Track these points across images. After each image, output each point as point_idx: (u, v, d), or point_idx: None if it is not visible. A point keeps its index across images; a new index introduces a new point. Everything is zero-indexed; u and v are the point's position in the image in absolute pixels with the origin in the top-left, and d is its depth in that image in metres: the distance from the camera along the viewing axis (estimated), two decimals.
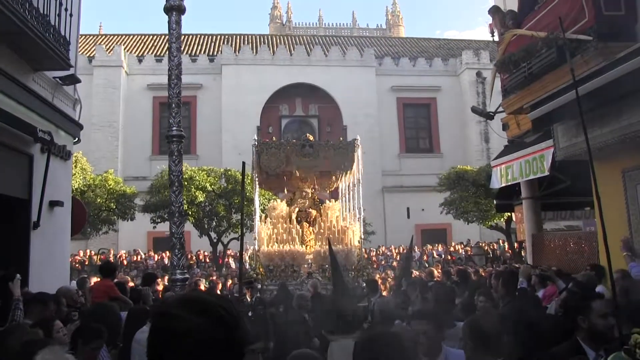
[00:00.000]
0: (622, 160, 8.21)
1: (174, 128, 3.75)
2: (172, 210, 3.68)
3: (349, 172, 14.06)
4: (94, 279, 10.06)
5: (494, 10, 10.82)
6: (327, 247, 12.91)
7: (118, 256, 26.23)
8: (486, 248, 27.26)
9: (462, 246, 28.79)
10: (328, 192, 16.08)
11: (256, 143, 13.46)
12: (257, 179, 13.92)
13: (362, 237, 13.95)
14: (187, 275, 3.67)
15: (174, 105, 3.78)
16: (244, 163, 7.74)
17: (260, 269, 12.67)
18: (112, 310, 4.91)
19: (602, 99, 7.07)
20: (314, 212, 14.34)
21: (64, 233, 9.91)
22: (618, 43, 7.38)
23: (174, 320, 1.46)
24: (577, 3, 8.06)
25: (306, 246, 13.46)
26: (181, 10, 3.89)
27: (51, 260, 9.07)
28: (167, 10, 3.90)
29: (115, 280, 8.85)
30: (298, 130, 33.01)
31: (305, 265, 12.80)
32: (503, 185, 12.07)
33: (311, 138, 14.12)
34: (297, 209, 14.30)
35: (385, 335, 2.90)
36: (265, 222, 14.02)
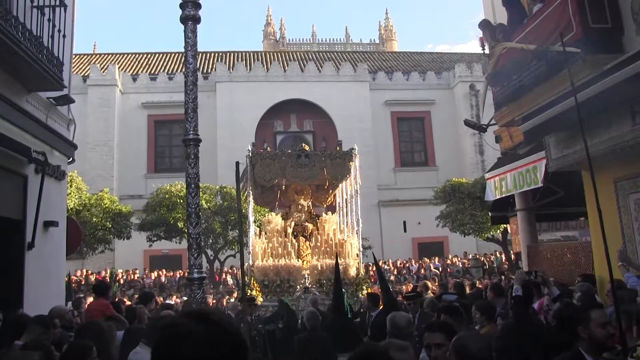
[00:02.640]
0: (613, 170, 8.27)
1: (191, 132, 3.89)
2: (189, 211, 3.79)
3: (346, 182, 13.85)
4: (90, 299, 10.03)
5: (484, 24, 10.90)
6: (327, 261, 12.76)
7: (115, 275, 26.13)
8: (483, 260, 27.24)
9: (459, 259, 28.77)
10: (325, 206, 15.86)
11: (250, 153, 13.16)
12: (251, 192, 13.67)
13: (361, 249, 13.71)
14: (204, 275, 3.74)
15: (190, 110, 3.89)
16: (237, 163, 7.81)
17: (255, 284, 12.44)
18: (103, 328, 4.90)
19: (591, 110, 7.12)
20: (310, 226, 14.11)
21: (59, 253, 9.90)
22: (605, 55, 7.46)
23: (175, 327, 1.52)
24: (565, 16, 8.14)
25: (303, 261, 13.19)
26: (196, 19, 4.00)
27: (46, 280, 9.05)
28: (183, 20, 4.02)
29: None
30: (293, 145, 32.99)
31: (302, 281, 12.60)
32: (497, 197, 12.12)
33: (307, 148, 13.77)
34: (292, 223, 14.07)
35: (373, 353, 2.90)
36: (260, 237, 13.73)
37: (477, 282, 16.26)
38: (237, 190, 7.25)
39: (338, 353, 4.65)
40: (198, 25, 4.13)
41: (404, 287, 16.94)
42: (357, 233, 13.71)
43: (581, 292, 6.53)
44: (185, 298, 15.45)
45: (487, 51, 10.91)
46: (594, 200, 8.59)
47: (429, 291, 11.23)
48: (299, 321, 8.86)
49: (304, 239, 13.87)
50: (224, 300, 14.34)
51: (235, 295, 16.31)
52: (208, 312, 1.58)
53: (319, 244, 13.45)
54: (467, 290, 11.80)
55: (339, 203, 15.58)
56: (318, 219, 14.54)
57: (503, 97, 10.33)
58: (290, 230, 13.88)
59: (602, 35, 7.85)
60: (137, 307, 8.12)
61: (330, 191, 15.06)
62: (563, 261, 11.13)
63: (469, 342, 3.22)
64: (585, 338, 3.77)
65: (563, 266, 11.04)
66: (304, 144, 14.84)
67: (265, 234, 13.78)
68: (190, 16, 3.96)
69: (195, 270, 3.68)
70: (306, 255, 13.49)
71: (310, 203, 14.77)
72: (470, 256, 28.82)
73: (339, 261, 12.56)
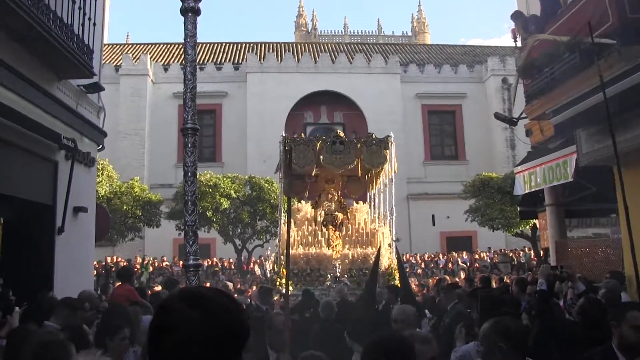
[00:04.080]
0: None
1: (189, 121, 3.88)
2: (186, 199, 3.79)
3: (379, 172, 13.60)
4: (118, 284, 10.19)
5: (517, 16, 10.70)
6: (358, 250, 12.48)
7: (145, 262, 26.55)
8: (512, 255, 26.94)
9: (487, 254, 28.49)
10: (355, 197, 15.57)
11: (283, 139, 12.83)
12: (282, 180, 13.30)
13: (394, 239, 13.37)
14: (199, 262, 3.74)
15: (188, 100, 3.90)
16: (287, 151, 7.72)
17: (284, 273, 12.24)
18: (128, 312, 4.97)
19: (626, 103, 6.96)
20: (340, 216, 13.91)
21: (88, 238, 10.06)
22: None
23: (169, 314, 1.49)
24: (601, 6, 7.93)
25: (332, 250, 12.97)
26: (196, 11, 4.01)
27: (75, 265, 9.21)
28: (183, 11, 4.03)
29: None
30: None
31: (333, 270, 12.32)
32: (526, 192, 11.93)
33: (342, 134, 13.37)
34: (322, 212, 13.89)
35: (392, 339, 2.87)
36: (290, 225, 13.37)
37: (506, 277, 16.09)
38: (289, 179, 7.17)
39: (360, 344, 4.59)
40: (199, 17, 4.12)
41: (430, 280, 16.88)
42: (389, 223, 13.38)
43: (606, 289, 6.37)
44: (207, 284, 15.54)
45: (519, 43, 10.72)
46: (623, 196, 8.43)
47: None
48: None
49: (333, 229, 13.61)
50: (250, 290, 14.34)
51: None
52: (204, 295, 1.53)
53: (349, 233, 13.23)
54: (494, 285, 11.67)
55: (369, 194, 15.38)
56: (349, 208, 14.36)
57: (534, 90, 10.15)
58: (320, 219, 13.72)
59: None
60: (161, 292, 8.21)
61: (363, 181, 14.81)
62: (593, 258, 10.92)
63: (510, 322, 3.17)
64: (616, 336, 3.69)
65: (593, 263, 10.84)
66: (338, 131, 14.51)
67: (295, 222, 13.55)
68: (189, 8, 3.97)
69: (192, 257, 3.67)
70: (336, 245, 13.24)
71: (340, 192, 14.52)
72: (498, 251, 28.51)
73: (371, 251, 12.35)
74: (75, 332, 4.42)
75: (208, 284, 16.09)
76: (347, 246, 12.90)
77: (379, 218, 14.29)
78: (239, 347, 1.51)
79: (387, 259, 12.61)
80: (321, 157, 12.56)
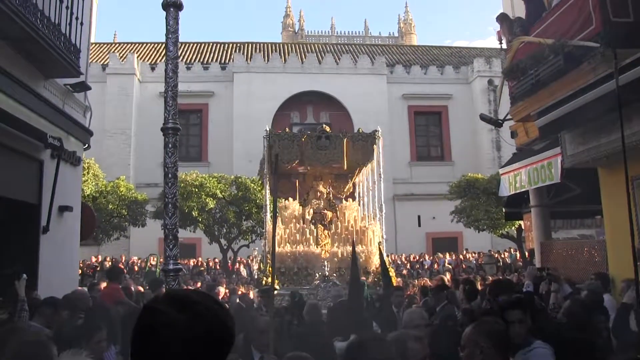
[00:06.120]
0: (631, 168, 8.14)
1: (170, 121, 3.80)
2: (166, 201, 3.72)
3: (366, 170, 13.44)
4: (104, 284, 10.13)
5: (502, 18, 10.76)
6: (347, 248, 12.22)
7: (130, 262, 26.39)
8: (497, 257, 27.07)
9: (473, 255, 28.60)
10: (343, 196, 15.43)
11: (267, 134, 12.56)
12: (267, 176, 12.89)
13: (384, 237, 13.15)
14: (179, 266, 3.65)
15: (169, 98, 3.82)
16: (277, 155, 7.58)
17: (270, 271, 12.03)
18: (110, 311, 4.97)
19: (609, 106, 7.03)
20: (329, 214, 13.69)
21: (73, 238, 10.01)
22: (626, 50, 7.33)
23: (155, 315, 1.48)
24: (585, 10, 8.01)
25: (322, 249, 12.74)
26: (178, 6, 3.91)
27: (60, 264, 9.16)
28: (165, 6, 3.92)
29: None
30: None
31: (322, 269, 12.19)
32: (512, 193, 12.02)
33: (327, 129, 13.16)
34: (311, 210, 13.68)
35: (373, 340, 2.89)
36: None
37: (490, 278, 16.15)
38: (274, 182, 7.16)
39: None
40: (180, 13, 4.01)
41: (416, 281, 16.94)
42: (379, 220, 13.19)
43: (588, 290, 6.44)
44: (199, 284, 15.50)
45: (504, 45, 10.78)
46: (609, 197, 8.54)
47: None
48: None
49: (322, 227, 13.36)
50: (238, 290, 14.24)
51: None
52: (192, 299, 1.52)
53: (338, 231, 13.05)
54: (479, 286, 11.73)
55: (358, 193, 15.27)
56: (338, 206, 14.19)
57: (519, 91, 10.21)
58: (308, 218, 13.53)
59: (623, 30, 7.71)
60: (146, 293, 8.21)
61: (350, 178, 14.68)
62: (578, 259, 11.00)
63: (493, 324, 3.22)
64: None
65: (577, 264, 10.93)
66: (324, 125, 14.26)
67: (282, 220, 13.38)
68: (171, 2, 3.85)
69: (171, 261, 3.58)
70: (325, 244, 12.99)
71: (329, 190, 14.32)
72: (480, 252, 28.63)
73: (360, 249, 12.17)
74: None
75: (199, 284, 16.10)
76: (336, 244, 12.74)
77: (368, 217, 14.21)
78: (223, 351, 1.51)
79: (377, 258, 12.51)
80: (306, 153, 12.37)
